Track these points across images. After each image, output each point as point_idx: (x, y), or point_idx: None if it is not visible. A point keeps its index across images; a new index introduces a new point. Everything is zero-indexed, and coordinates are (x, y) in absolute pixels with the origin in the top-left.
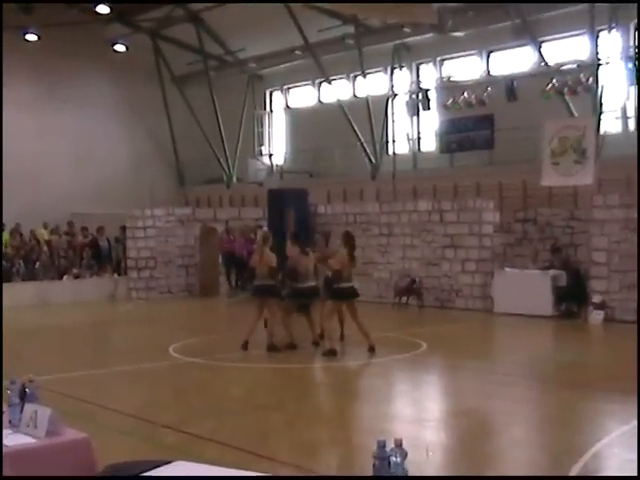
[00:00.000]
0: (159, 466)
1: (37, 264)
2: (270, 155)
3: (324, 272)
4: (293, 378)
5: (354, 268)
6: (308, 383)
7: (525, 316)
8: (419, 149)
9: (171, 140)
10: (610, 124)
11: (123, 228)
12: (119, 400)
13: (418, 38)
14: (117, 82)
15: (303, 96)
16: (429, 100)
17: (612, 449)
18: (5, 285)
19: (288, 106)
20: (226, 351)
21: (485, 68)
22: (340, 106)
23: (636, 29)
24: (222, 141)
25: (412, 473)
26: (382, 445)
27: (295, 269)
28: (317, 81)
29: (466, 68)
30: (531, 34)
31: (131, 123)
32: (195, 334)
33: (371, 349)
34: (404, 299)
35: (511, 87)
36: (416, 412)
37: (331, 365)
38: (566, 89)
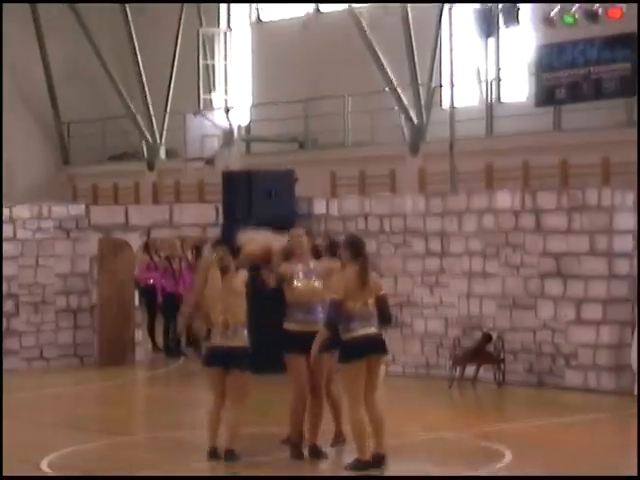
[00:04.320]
0: None
1: None
2: (227, 110)
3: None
4: None
5: (374, 297)
6: None
7: None
8: (498, 99)
9: (45, 81)
10: None
11: None
12: None
13: None
14: None
15: (287, 2)
16: (518, 9)
17: None
18: None
19: (259, 20)
20: (145, 466)
21: None
22: (355, 20)
23: None
24: (141, 85)
25: None
26: None
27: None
28: None
29: None
30: None
31: None
32: (89, 435)
33: (370, 463)
34: (471, 370)
35: None
36: None
37: None
38: None
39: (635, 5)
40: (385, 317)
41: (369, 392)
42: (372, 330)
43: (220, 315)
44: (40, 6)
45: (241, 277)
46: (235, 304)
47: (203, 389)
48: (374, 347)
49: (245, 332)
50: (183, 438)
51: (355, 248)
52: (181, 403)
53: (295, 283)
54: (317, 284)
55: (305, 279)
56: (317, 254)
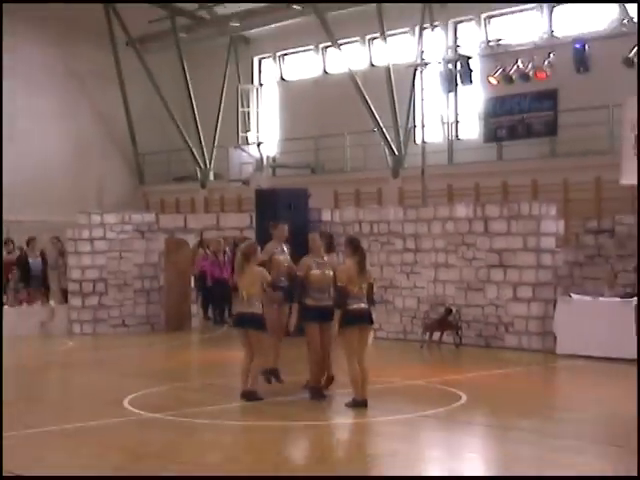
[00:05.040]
0: None
1: None
2: (259, 144)
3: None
4: (289, 440)
5: (366, 283)
6: (306, 447)
7: (599, 359)
8: (457, 136)
9: (127, 123)
10: None
11: (57, 239)
12: (56, 471)
13: None
14: (54, 44)
15: (303, 65)
16: (471, 71)
17: None
18: None
19: (283, 78)
20: (199, 404)
21: (547, 27)
22: (352, 79)
23: None
24: (195, 125)
25: None
26: None
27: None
28: (321, 45)
29: (521, 27)
30: None
31: (73, 100)
32: (158, 381)
33: (361, 402)
34: (436, 335)
35: (582, 53)
36: None
37: (339, 423)
38: None
39: (555, 67)
40: (370, 300)
41: (360, 352)
42: (363, 306)
43: (241, 291)
44: (124, 69)
45: (261, 270)
46: (252, 283)
47: (240, 349)
48: (364, 319)
49: (259, 302)
50: (226, 384)
51: (354, 245)
52: (225, 359)
53: (312, 271)
54: (328, 272)
55: (319, 268)
56: (329, 249)
